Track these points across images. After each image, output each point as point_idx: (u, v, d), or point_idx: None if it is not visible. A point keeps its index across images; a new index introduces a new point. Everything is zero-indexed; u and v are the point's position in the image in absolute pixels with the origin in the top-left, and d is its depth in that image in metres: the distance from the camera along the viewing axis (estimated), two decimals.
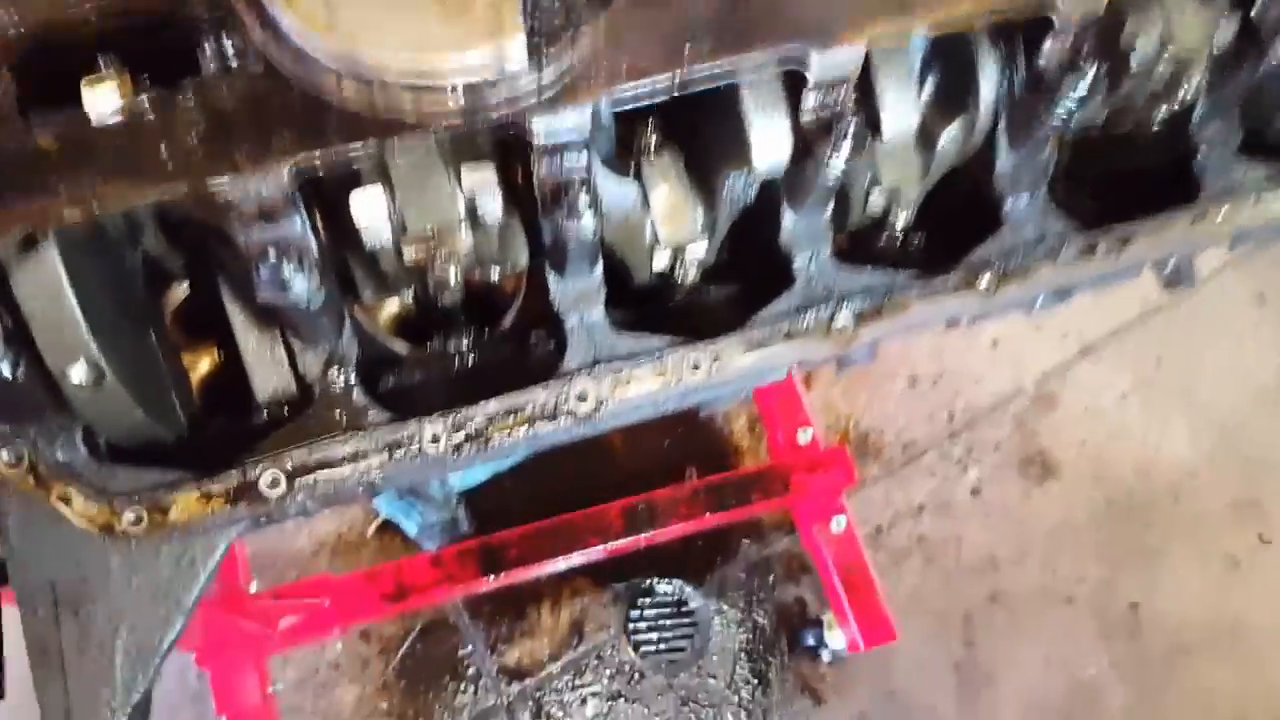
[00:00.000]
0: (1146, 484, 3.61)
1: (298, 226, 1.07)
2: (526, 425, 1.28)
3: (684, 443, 3.48)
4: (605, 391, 1.30)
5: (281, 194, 1.04)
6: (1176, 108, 1.42)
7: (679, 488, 2.99)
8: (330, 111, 0.99)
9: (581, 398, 1.29)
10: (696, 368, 1.31)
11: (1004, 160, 1.42)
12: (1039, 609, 3.41)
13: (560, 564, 2.91)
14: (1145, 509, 3.58)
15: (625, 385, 1.30)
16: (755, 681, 3.29)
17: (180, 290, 1.40)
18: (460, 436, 1.26)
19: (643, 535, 2.90)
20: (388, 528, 3.27)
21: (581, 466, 3.42)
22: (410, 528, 3.23)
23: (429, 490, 3.21)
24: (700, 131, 1.31)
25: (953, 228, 1.49)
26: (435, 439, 1.25)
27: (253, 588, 2.82)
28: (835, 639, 3.12)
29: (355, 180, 1.12)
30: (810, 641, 3.24)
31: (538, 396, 1.29)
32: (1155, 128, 1.47)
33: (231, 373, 1.39)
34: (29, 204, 0.99)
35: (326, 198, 1.15)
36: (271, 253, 1.04)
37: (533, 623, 3.26)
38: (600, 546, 2.89)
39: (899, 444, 3.54)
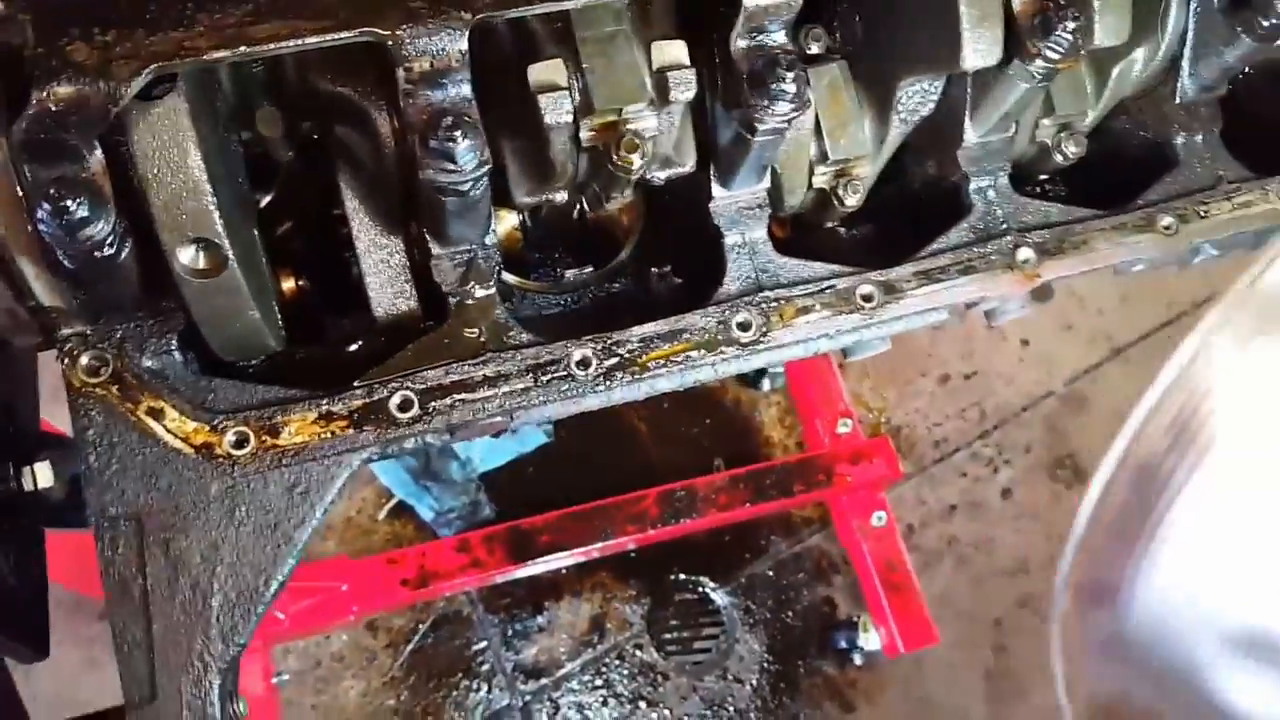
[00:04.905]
0: None
1: (467, 91, 0.91)
2: (684, 354, 1.12)
3: (711, 433, 3.33)
4: (769, 321, 1.15)
5: (458, 51, 0.89)
6: None
7: (718, 476, 2.84)
8: None
9: (744, 326, 1.15)
10: (868, 300, 1.17)
11: (1182, 92, 1.32)
12: None
13: (594, 552, 2.74)
14: None
15: (790, 315, 1.16)
16: (783, 686, 3.14)
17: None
18: (612, 362, 1.10)
19: (680, 523, 2.75)
20: (401, 511, 3.07)
21: (606, 453, 3.25)
22: (425, 512, 3.03)
23: (448, 472, 3.02)
24: (879, 31, 1.18)
25: (1115, 168, 1.38)
26: (584, 363, 1.09)
27: None
28: (870, 640, 2.98)
29: (528, 56, 0.97)
30: (842, 643, 3.10)
31: (696, 321, 1.14)
32: None
33: (314, 299, 1.22)
34: (165, 38, 0.82)
35: (490, 77, 0.99)
36: (444, 120, 0.88)
37: (551, 618, 3.08)
38: (636, 535, 2.72)
39: (930, 441, 3.44)
